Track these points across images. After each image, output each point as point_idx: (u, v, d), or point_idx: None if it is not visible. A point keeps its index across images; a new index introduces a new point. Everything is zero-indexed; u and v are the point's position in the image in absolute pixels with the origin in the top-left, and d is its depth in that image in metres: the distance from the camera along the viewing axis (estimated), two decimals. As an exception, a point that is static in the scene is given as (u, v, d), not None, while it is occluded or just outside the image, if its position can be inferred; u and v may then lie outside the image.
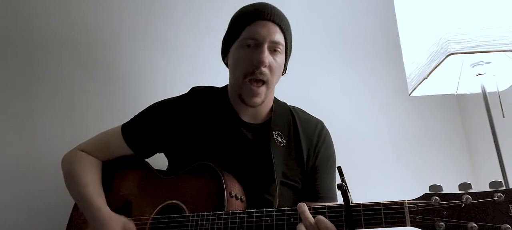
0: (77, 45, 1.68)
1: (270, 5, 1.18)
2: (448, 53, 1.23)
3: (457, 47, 1.23)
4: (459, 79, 1.49)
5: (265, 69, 1.13)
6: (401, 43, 1.55)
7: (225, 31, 1.25)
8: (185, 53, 1.77)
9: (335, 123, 1.76)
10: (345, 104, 1.89)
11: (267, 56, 1.12)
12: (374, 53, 1.98)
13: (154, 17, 1.79)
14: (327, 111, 1.73)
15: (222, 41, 1.26)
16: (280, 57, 1.17)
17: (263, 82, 1.15)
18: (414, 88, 1.45)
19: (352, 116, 1.87)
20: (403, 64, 1.53)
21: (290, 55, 1.25)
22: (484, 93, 1.35)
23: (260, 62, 1.11)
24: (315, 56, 1.92)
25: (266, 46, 1.13)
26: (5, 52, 1.61)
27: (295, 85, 1.81)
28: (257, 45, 1.13)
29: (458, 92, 1.53)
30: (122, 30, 1.74)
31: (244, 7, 1.21)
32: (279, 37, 1.15)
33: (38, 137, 1.54)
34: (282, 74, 1.24)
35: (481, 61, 1.35)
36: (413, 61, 1.46)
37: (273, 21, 1.14)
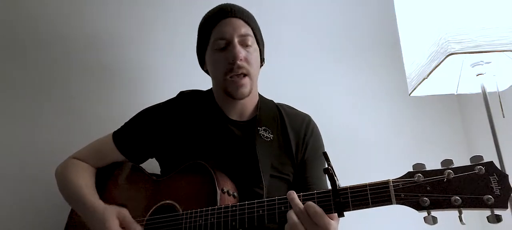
0: (77, 45, 1.67)
1: (229, 3, 1.23)
2: (448, 53, 1.23)
3: (457, 47, 1.23)
4: (459, 79, 1.49)
5: (241, 63, 1.16)
6: (401, 43, 1.55)
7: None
8: (184, 53, 1.76)
9: (335, 123, 1.77)
10: (345, 104, 1.88)
11: (240, 50, 1.16)
12: (374, 53, 1.97)
13: (154, 17, 1.78)
14: (327, 112, 1.73)
15: (196, 52, 1.30)
16: (253, 48, 1.21)
17: (244, 75, 1.18)
18: (414, 88, 1.45)
19: (352, 116, 1.87)
20: (403, 64, 1.53)
21: (263, 45, 1.29)
22: (484, 93, 1.35)
23: (235, 58, 1.16)
24: (315, 56, 1.91)
25: (236, 41, 1.17)
26: (5, 53, 1.60)
27: (295, 85, 1.80)
28: (228, 43, 1.17)
29: (458, 92, 1.53)
30: (122, 30, 1.73)
31: (206, 14, 1.27)
32: (245, 29, 1.20)
33: (37, 137, 1.54)
34: (262, 65, 1.28)
35: (481, 61, 1.35)
36: (413, 61, 1.46)
37: (236, 16, 1.19)
